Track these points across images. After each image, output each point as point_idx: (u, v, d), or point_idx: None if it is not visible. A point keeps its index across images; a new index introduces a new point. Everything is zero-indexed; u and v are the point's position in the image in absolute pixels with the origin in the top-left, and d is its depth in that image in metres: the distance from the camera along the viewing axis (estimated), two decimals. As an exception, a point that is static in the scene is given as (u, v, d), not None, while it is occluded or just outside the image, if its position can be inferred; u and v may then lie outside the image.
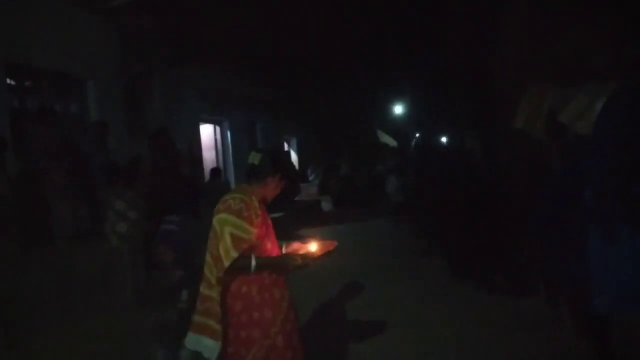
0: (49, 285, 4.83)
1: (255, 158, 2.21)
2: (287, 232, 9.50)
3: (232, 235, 2.00)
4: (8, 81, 6.24)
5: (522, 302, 4.59)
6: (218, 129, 11.53)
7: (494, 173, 6.23)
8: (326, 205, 13.25)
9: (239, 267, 2.03)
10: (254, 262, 2.04)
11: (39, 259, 5.02)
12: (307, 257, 2.19)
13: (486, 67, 7.19)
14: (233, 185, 10.55)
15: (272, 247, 2.22)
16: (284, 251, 2.28)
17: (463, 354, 3.66)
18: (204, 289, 2.08)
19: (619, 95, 2.48)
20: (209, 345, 2.02)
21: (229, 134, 11.64)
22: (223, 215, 2.04)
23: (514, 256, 5.18)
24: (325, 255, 2.24)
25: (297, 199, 13.21)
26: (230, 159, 11.66)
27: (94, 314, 4.99)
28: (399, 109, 28.09)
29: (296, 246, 2.28)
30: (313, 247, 2.26)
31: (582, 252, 2.97)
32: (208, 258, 2.07)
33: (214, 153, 11.38)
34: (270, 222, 2.29)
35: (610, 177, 2.64)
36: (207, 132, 11.23)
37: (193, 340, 2.08)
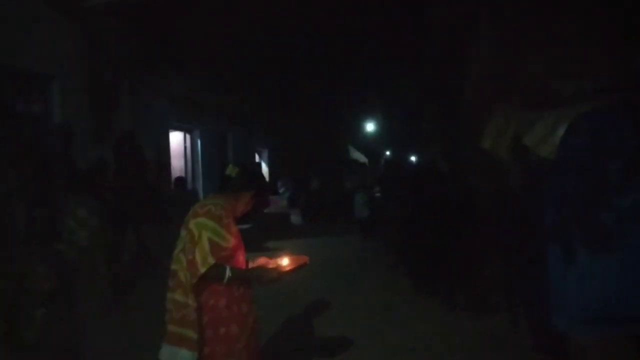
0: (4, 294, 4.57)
1: (232, 170, 2.19)
2: (256, 244, 9.41)
3: (211, 241, 1.94)
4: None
5: (483, 320, 4.66)
6: (188, 136, 11.34)
7: (460, 192, 6.36)
8: (295, 219, 13.21)
9: (213, 276, 1.97)
10: (228, 273, 1.98)
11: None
12: (279, 270, 2.15)
13: (455, 87, 7.36)
14: (201, 194, 10.36)
15: (242, 260, 2.18)
16: (250, 265, 2.23)
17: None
18: (179, 296, 1.98)
19: (580, 122, 2.57)
20: (185, 357, 1.94)
21: (199, 142, 11.47)
22: (202, 220, 1.98)
23: (476, 274, 5.27)
24: (296, 269, 2.21)
25: (266, 210, 13.11)
26: (200, 167, 11.48)
27: (53, 326, 4.76)
28: (370, 126, 28.54)
29: (263, 260, 2.24)
30: (285, 261, 2.23)
31: (542, 272, 3.04)
32: (182, 262, 1.98)
33: (182, 161, 11.18)
34: (240, 234, 2.26)
35: (569, 200, 2.71)
36: (177, 140, 11.04)
37: (167, 353, 1.99)
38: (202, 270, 1.91)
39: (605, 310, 2.67)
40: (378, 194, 9.89)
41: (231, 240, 2.01)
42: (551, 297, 2.94)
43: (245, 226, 9.83)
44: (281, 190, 14.85)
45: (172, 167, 10.16)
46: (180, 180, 8.95)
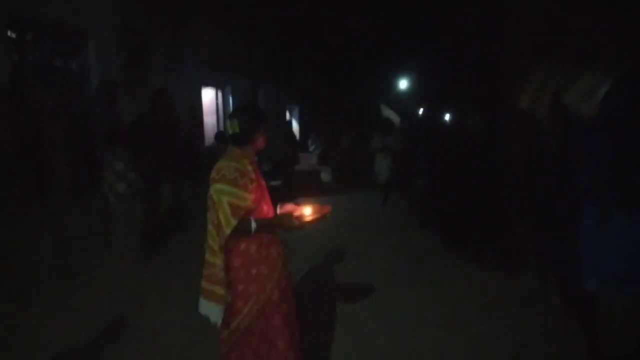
0: (46, 239, 4.88)
1: (233, 125, 2.19)
2: (285, 200, 9.59)
3: (230, 204, 2.04)
4: (9, 33, 6.12)
5: (512, 278, 4.67)
6: (220, 93, 11.41)
7: (494, 151, 6.23)
8: (325, 176, 13.25)
9: (240, 232, 2.09)
10: (253, 225, 2.10)
11: (37, 213, 5.06)
12: (302, 218, 2.22)
13: (493, 43, 7.08)
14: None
15: (267, 209, 2.26)
16: (278, 211, 2.31)
17: (448, 325, 3.75)
18: (208, 256, 2.14)
19: (623, 81, 2.46)
20: (215, 310, 2.10)
21: (230, 99, 11.53)
22: (219, 185, 2.08)
23: (507, 232, 5.24)
24: (319, 219, 2.28)
25: (296, 168, 13.24)
26: (231, 124, 11.58)
27: (92, 269, 5.09)
28: (403, 84, 27.84)
29: (290, 207, 2.32)
30: (307, 210, 2.30)
31: (574, 231, 3.01)
32: (209, 227, 2.12)
33: (215, 117, 11.30)
34: (263, 183, 2.32)
35: (609, 161, 2.65)
36: (209, 96, 11.12)
37: (203, 305, 2.16)
38: (228, 231, 2.05)
39: (636, 271, 2.65)
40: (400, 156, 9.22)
41: (250, 197, 2.10)
42: (582, 257, 2.93)
43: (275, 183, 10.03)
44: (311, 148, 14.88)
45: (204, 123, 10.30)
46: (221, 134, 9.08)
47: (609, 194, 2.71)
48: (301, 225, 2.20)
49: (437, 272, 5.09)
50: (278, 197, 7.69)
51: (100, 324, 3.83)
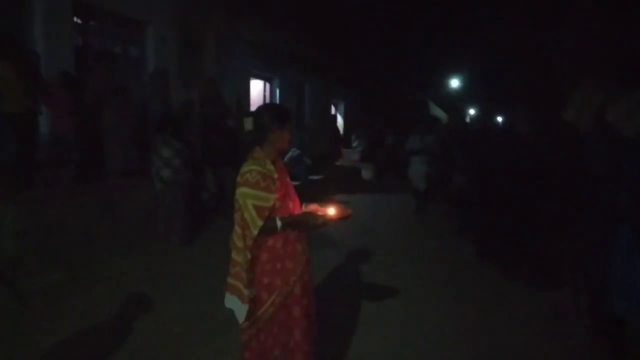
0: (97, 217, 5.22)
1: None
2: (324, 195, 9.69)
3: (255, 206, 2.17)
4: (75, 19, 6.53)
5: (544, 294, 4.57)
6: (268, 85, 11.65)
7: (541, 162, 6.05)
8: (366, 174, 13.28)
9: (267, 231, 2.21)
10: (279, 223, 2.22)
11: (89, 193, 5.42)
12: (325, 218, 2.31)
13: (547, 51, 6.87)
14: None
15: (293, 205, 2.36)
16: (303, 209, 2.40)
17: (471, 334, 3.72)
18: (233, 254, 2.29)
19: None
20: (238, 306, 2.24)
21: (277, 91, 11.75)
22: (243, 189, 2.20)
23: (544, 247, 5.11)
24: (340, 220, 2.36)
25: (337, 163, 13.32)
26: (277, 116, 11.80)
27: (137, 249, 5.40)
28: (454, 83, 27.22)
29: (313, 207, 2.40)
30: (331, 210, 2.38)
31: (610, 253, 2.95)
32: (236, 227, 2.26)
33: (261, 109, 11.55)
34: (288, 179, 2.42)
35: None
36: (257, 88, 11.39)
37: (229, 300, 2.31)
38: (255, 232, 2.18)
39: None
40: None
41: (273, 197, 2.21)
42: (614, 279, 2.87)
43: (315, 177, 10.15)
44: (354, 144, 14.90)
45: (251, 114, 10.56)
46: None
47: (646, 217, 2.64)
48: (324, 223, 2.29)
49: (467, 280, 5.03)
50: (317, 192, 7.87)
51: (134, 300, 4.10)
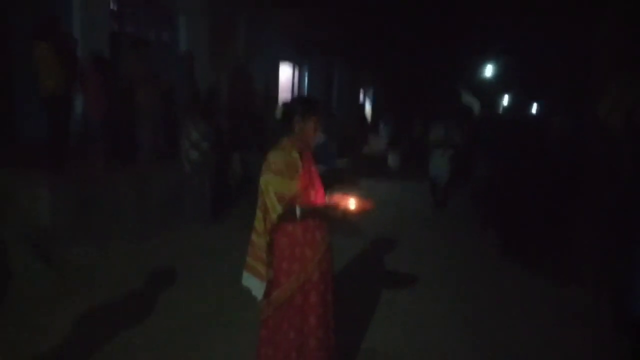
0: (128, 195, 5.43)
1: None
2: (350, 181, 9.73)
3: (276, 193, 2.25)
4: (110, 6, 6.71)
5: (566, 291, 4.53)
6: (297, 70, 11.67)
7: (574, 158, 5.89)
8: (392, 161, 13.18)
9: (286, 218, 2.29)
10: (298, 212, 2.30)
11: (122, 173, 5.63)
12: (346, 211, 2.37)
13: (587, 41, 6.63)
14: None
15: (315, 194, 2.42)
16: (327, 200, 2.46)
17: (485, 327, 3.74)
18: (253, 237, 2.39)
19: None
20: (257, 285, 2.36)
21: (306, 76, 11.77)
22: (266, 176, 2.29)
23: (570, 244, 5.04)
24: (361, 212, 2.41)
25: (364, 150, 13.31)
26: (305, 101, 11.85)
27: (166, 228, 5.60)
28: (489, 70, 26.51)
29: (337, 198, 2.46)
30: (352, 202, 2.43)
31: (633, 256, 2.92)
32: (257, 211, 2.36)
33: (289, 94, 11.61)
34: (314, 169, 2.47)
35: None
36: (286, 74, 11.43)
37: (246, 278, 2.42)
38: (274, 217, 2.28)
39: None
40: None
41: (296, 185, 2.28)
42: (636, 283, 2.84)
43: (342, 163, 10.16)
44: (382, 132, 14.82)
45: (279, 99, 10.64)
46: None
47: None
48: (343, 216, 2.35)
49: (488, 274, 5.02)
50: (341, 178, 7.89)
51: (163, 276, 4.28)
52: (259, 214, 2.33)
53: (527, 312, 4.09)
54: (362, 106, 15.28)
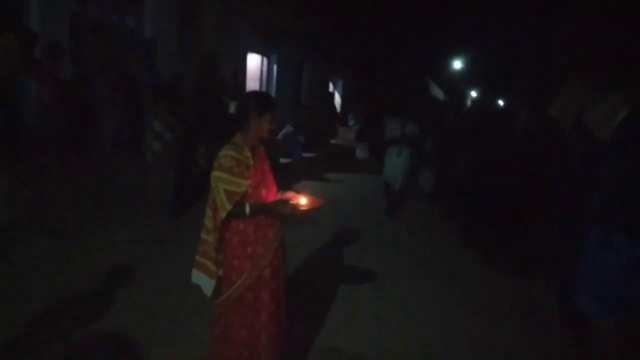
0: (87, 186, 5.29)
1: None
2: (317, 173, 9.77)
3: (226, 191, 2.23)
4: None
5: (521, 285, 4.71)
6: (265, 60, 11.56)
7: (535, 153, 6.08)
8: (360, 153, 13.29)
9: (235, 215, 2.28)
10: (247, 209, 2.28)
11: (80, 164, 5.48)
12: (296, 207, 2.39)
13: (548, 38, 6.84)
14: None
15: (266, 193, 2.42)
16: (279, 196, 2.47)
17: (446, 319, 3.85)
18: (203, 234, 2.39)
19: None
20: (206, 282, 2.37)
21: (275, 67, 11.67)
22: (216, 173, 2.27)
23: (525, 240, 5.24)
24: (310, 210, 2.43)
25: (332, 141, 13.35)
26: (274, 92, 11.78)
27: (126, 221, 5.49)
28: (457, 64, 26.96)
29: (289, 195, 2.47)
30: (302, 200, 2.45)
31: (579, 250, 3.05)
32: (207, 208, 2.35)
33: (258, 84, 11.50)
34: (267, 167, 2.47)
35: (617, 187, 2.66)
36: (254, 62, 11.30)
37: (196, 276, 2.43)
38: (223, 214, 2.26)
39: (628, 294, 2.69)
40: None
41: (245, 184, 2.27)
42: (579, 275, 2.98)
43: (308, 154, 10.19)
44: (351, 123, 14.89)
45: (247, 89, 10.52)
46: None
47: (614, 218, 2.73)
48: (294, 212, 2.36)
49: (445, 265, 5.17)
50: (310, 170, 7.83)
51: (117, 269, 4.22)
52: (208, 211, 2.33)
53: (483, 304, 4.24)
54: (332, 97, 15.28)
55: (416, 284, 4.58)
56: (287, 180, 2.46)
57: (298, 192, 2.52)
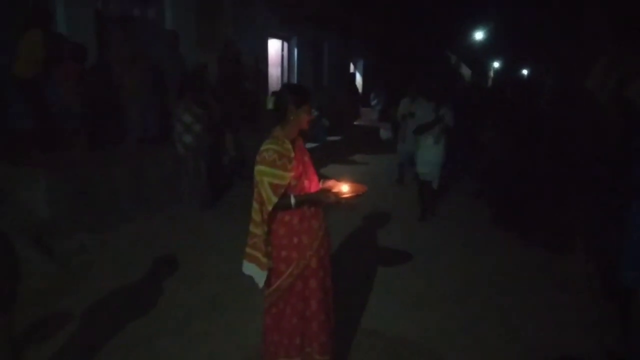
0: (122, 180, 5.42)
1: (270, 102, 2.36)
2: (343, 156, 9.75)
3: (271, 184, 2.28)
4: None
5: (557, 260, 4.67)
6: (285, 44, 11.49)
7: (563, 126, 5.94)
8: (384, 133, 13.17)
9: (281, 207, 2.34)
10: (292, 201, 2.33)
11: (114, 157, 5.61)
12: (339, 195, 2.42)
13: (579, 11, 6.60)
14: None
15: (309, 183, 2.46)
16: (320, 185, 2.50)
17: (482, 296, 3.87)
18: (251, 227, 2.44)
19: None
20: (258, 273, 2.41)
21: (295, 50, 11.60)
22: (260, 167, 2.31)
23: (560, 214, 5.16)
24: (355, 197, 2.45)
25: (356, 123, 13.27)
26: (295, 76, 11.73)
27: (163, 213, 5.64)
28: (479, 35, 26.25)
29: (331, 183, 2.50)
30: (345, 187, 2.48)
31: (623, 226, 3.00)
32: (254, 203, 2.39)
33: (279, 69, 11.47)
34: (307, 158, 2.50)
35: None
36: (274, 48, 11.25)
37: (248, 267, 2.48)
38: (270, 208, 2.31)
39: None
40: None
41: (289, 176, 2.31)
42: (625, 251, 2.94)
43: (334, 138, 10.17)
44: (373, 103, 14.73)
45: (269, 75, 10.51)
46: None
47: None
48: (337, 201, 2.39)
49: (481, 244, 5.14)
50: (336, 152, 7.79)
51: (157, 261, 4.34)
52: (255, 205, 2.37)
53: (522, 281, 4.22)
54: (353, 78, 15.11)
55: (451, 264, 4.59)
56: (314, 165, 2.48)
57: (339, 180, 2.54)
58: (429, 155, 5.55)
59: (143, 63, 6.18)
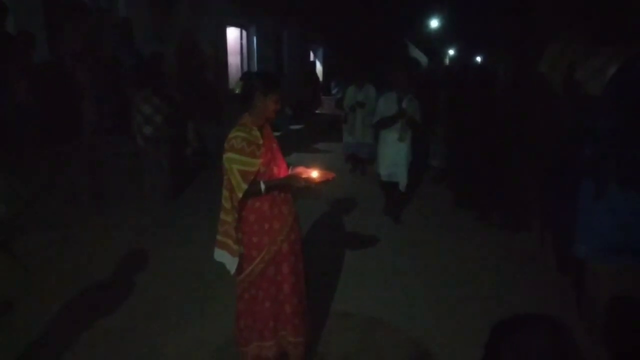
0: (81, 175, 5.25)
1: (238, 86, 2.37)
2: (306, 145, 9.78)
3: (240, 171, 2.30)
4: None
5: (515, 238, 4.90)
6: (244, 33, 11.33)
7: (516, 110, 6.17)
8: (346, 120, 13.28)
9: (251, 194, 2.34)
10: (262, 187, 2.36)
11: (67, 153, 5.40)
12: (308, 180, 2.45)
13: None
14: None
15: (277, 170, 2.49)
16: (290, 171, 2.53)
17: (450, 278, 4.02)
18: (222, 215, 2.44)
19: (634, 60, 2.52)
20: (229, 260, 2.43)
21: (255, 39, 11.46)
22: (229, 155, 2.32)
23: (516, 194, 5.38)
24: (323, 183, 2.49)
25: (318, 111, 13.30)
26: (255, 65, 11.61)
27: (125, 206, 5.50)
28: (434, 23, 26.77)
29: (300, 169, 2.53)
30: (314, 173, 2.52)
31: (573, 201, 3.19)
32: (223, 190, 2.40)
33: (238, 58, 11.31)
34: (275, 145, 2.53)
35: (609, 136, 2.76)
36: (233, 36, 11.08)
37: (219, 254, 2.49)
38: (240, 194, 2.33)
39: (625, 242, 2.85)
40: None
41: (257, 163, 2.34)
42: (576, 226, 3.13)
43: (296, 127, 10.18)
44: (334, 91, 14.79)
45: (228, 64, 10.35)
46: None
47: (606, 168, 2.86)
48: (307, 185, 2.43)
49: (444, 226, 5.33)
50: (299, 141, 7.79)
51: (124, 255, 4.26)
52: (225, 192, 2.37)
53: (483, 258, 4.42)
54: (314, 67, 15.10)
55: (417, 244, 4.73)
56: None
57: (308, 166, 2.57)
58: (392, 153, 4.95)
59: (96, 54, 5.96)
